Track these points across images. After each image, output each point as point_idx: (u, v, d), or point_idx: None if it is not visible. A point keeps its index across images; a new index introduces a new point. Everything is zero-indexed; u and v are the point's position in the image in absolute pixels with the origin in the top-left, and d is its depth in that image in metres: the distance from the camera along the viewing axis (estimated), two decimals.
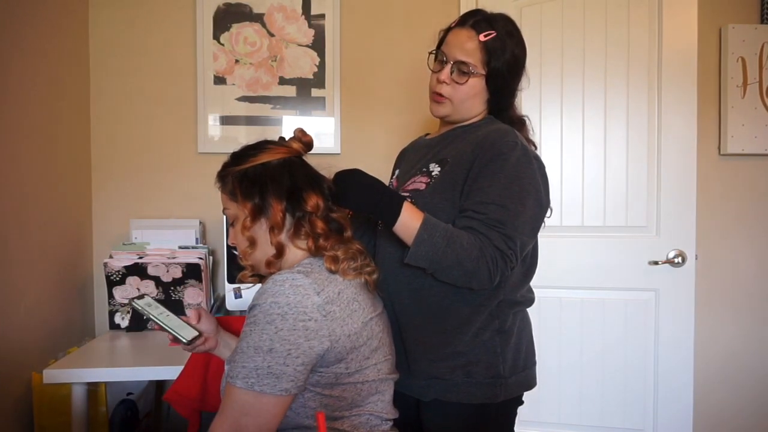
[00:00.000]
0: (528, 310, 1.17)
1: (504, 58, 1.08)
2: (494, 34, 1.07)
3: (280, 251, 0.96)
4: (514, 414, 1.13)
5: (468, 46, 1.08)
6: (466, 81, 1.09)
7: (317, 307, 0.87)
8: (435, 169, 1.10)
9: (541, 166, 1.08)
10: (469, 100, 1.12)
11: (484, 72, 1.08)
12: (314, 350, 0.86)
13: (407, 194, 1.11)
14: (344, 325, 0.89)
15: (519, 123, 1.17)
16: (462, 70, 1.09)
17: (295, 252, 0.98)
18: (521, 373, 1.09)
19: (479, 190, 1.00)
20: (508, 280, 1.06)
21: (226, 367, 0.98)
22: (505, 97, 1.14)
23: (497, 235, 0.96)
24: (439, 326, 1.06)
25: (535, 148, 1.15)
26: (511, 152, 1.02)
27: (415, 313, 1.07)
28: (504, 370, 1.06)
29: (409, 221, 0.96)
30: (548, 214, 1.11)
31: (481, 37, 1.07)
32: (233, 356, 0.87)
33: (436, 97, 1.13)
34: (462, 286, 1.00)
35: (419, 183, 1.10)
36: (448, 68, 1.10)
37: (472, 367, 1.04)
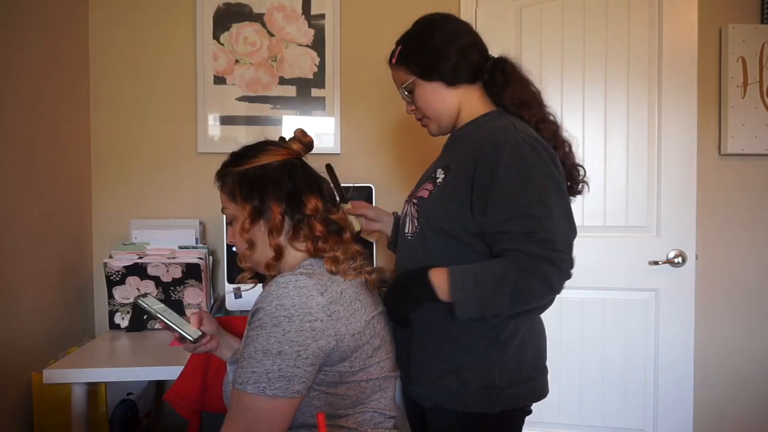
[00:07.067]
0: None
1: (416, 51, 1.11)
2: (399, 48, 1.14)
3: (278, 253, 0.96)
4: (518, 425, 1.09)
5: (394, 77, 1.17)
6: (414, 95, 1.13)
7: (322, 307, 0.87)
8: (440, 175, 1.08)
9: (552, 155, 1.01)
10: (432, 103, 1.12)
11: (413, 77, 1.11)
12: (322, 350, 0.87)
13: (415, 201, 1.10)
14: (348, 325, 0.90)
15: (523, 106, 1.09)
16: (406, 92, 1.14)
17: (294, 254, 0.98)
18: (523, 384, 1.05)
19: (497, 207, 0.96)
20: None
21: (228, 368, 0.98)
22: (457, 71, 1.09)
23: (531, 246, 0.92)
24: (441, 333, 1.05)
25: (555, 127, 1.09)
26: (513, 153, 0.96)
27: (427, 322, 1.06)
28: (500, 381, 1.02)
29: (442, 288, 0.97)
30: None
31: (393, 61, 1.15)
32: (240, 362, 0.87)
33: (420, 123, 1.20)
34: (531, 307, 0.99)
35: (424, 190, 1.09)
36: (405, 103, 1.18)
37: (466, 375, 1.02)
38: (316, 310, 0.86)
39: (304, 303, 0.86)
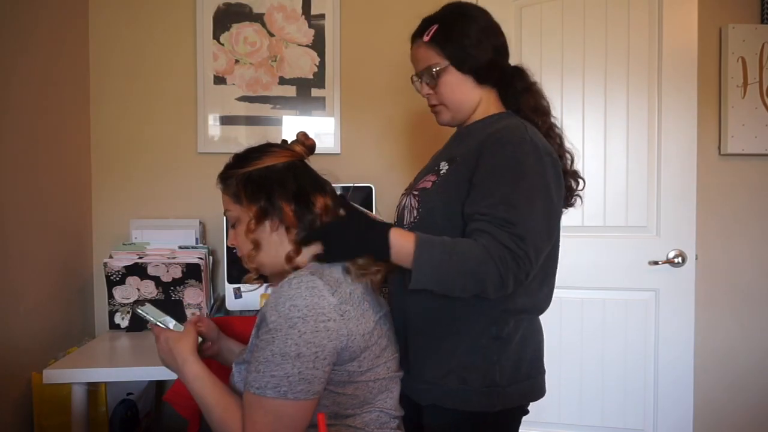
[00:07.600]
0: None
1: (456, 38, 1.07)
2: (436, 27, 1.08)
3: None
4: (516, 424, 1.09)
5: (421, 54, 1.11)
6: (439, 81, 1.09)
7: (334, 307, 0.87)
8: (444, 167, 1.08)
9: (555, 163, 1.02)
10: (457, 94, 1.11)
11: (447, 63, 1.08)
12: (336, 349, 0.87)
13: (416, 192, 1.10)
14: (359, 325, 0.90)
15: (537, 113, 1.12)
16: (429, 75, 1.10)
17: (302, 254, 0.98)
18: (523, 382, 1.05)
19: (485, 190, 0.96)
20: (522, 288, 1.01)
21: (233, 369, 0.98)
22: (490, 71, 1.10)
23: (505, 234, 0.91)
24: (441, 331, 1.05)
25: (560, 139, 1.11)
26: (517, 148, 0.98)
27: (423, 317, 1.06)
28: (501, 379, 1.02)
29: (402, 247, 0.92)
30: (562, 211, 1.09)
31: (425, 38, 1.09)
32: (254, 366, 0.86)
33: (432, 109, 1.17)
34: (480, 295, 0.94)
35: (427, 182, 1.09)
36: (420, 83, 1.14)
37: (467, 374, 1.02)
38: (328, 310, 0.86)
39: (317, 303, 0.86)
